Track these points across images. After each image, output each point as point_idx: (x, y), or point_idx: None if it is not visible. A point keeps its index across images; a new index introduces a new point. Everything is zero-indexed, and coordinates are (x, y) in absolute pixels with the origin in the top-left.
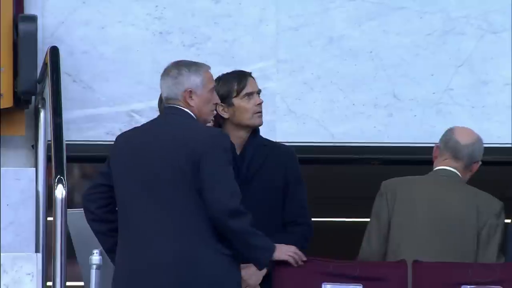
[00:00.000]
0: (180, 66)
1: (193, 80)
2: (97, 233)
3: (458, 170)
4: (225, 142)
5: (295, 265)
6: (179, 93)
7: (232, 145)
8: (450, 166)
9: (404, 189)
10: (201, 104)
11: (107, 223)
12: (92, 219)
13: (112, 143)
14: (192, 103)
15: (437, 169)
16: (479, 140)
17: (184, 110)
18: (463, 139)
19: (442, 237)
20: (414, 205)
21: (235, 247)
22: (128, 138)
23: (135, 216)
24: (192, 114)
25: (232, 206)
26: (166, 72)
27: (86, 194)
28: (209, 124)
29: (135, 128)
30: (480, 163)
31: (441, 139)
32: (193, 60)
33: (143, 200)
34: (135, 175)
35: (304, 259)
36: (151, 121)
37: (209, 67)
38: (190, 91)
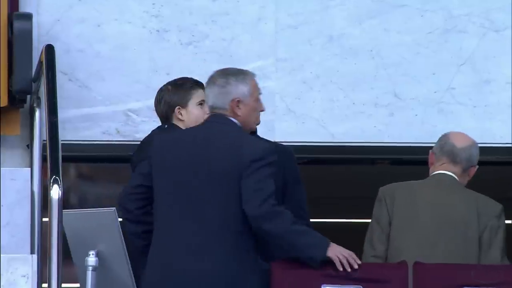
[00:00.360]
0: (227, 75)
1: (240, 89)
2: (130, 234)
3: (456, 175)
4: (271, 155)
5: (340, 269)
6: (226, 102)
7: None
8: (448, 171)
9: (403, 193)
10: (247, 113)
11: (143, 225)
12: (129, 219)
13: (109, 143)
14: (239, 112)
15: (435, 174)
16: (475, 143)
17: (230, 119)
18: (459, 143)
19: (444, 240)
20: (414, 209)
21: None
22: (172, 142)
23: (172, 222)
24: (238, 123)
25: (263, 210)
26: (212, 81)
27: (126, 193)
28: None
29: (176, 132)
30: (477, 167)
31: (436, 145)
32: (238, 68)
33: (182, 208)
34: (178, 181)
35: (356, 267)
36: (195, 127)
37: (254, 75)
38: (238, 101)
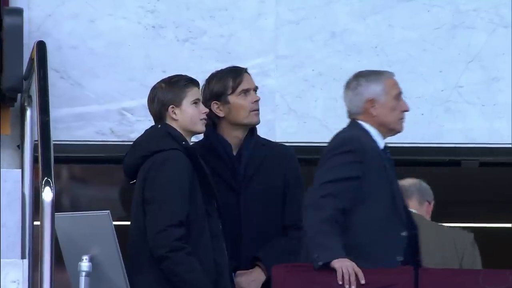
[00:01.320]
0: (358, 77)
1: (372, 89)
2: None
3: (416, 210)
4: (341, 146)
5: (339, 282)
6: (360, 105)
7: (228, 145)
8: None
9: None
10: (385, 112)
11: None
12: None
13: (102, 142)
14: (375, 112)
15: None
16: (422, 181)
17: (356, 122)
18: (405, 182)
19: None
20: None
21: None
22: None
23: None
24: (366, 126)
25: (307, 200)
26: (347, 85)
27: None
28: (202, 123)
29: None
30: (433, 203)
31: None
32: (374, 69)
33: None
34: None
35: (353, 286)
36: None
37: (392, 74)
38: (372, 100)
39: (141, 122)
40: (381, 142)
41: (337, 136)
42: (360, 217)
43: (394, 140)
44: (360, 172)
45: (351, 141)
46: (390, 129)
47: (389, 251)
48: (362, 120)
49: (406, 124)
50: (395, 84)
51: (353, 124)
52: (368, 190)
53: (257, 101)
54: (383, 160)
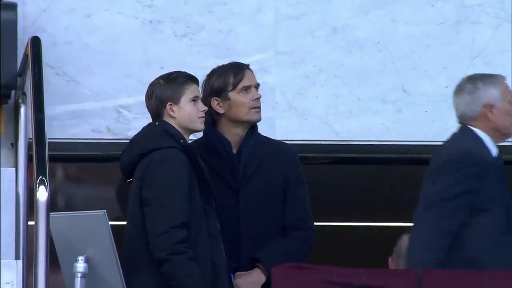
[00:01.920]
0: (475, 80)
1: (491, 93)
2: None
3: None
4: (457, 162)
5: None
6: (477, 109)
7: (228, 143)
8: None
9: None
10: (501, 117)
11: None
12: None
13: (98, 140)
14: (492, 118)
15: None
16: None
17: (469, 128)
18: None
19: None
20: None
21: None
22: None
23: None
24: (479, 132)
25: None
26: (461, 88)
27: None
28: (201, 121)
29: None
30: None
31: (393, 252)
32: (483, 73)
33: None
34: None
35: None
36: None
37: (504, 77)
38: (491, 106)
39: (138, 120)
40: (493, 149)
41: (452, 146)
42: (475, 231)
43: (397, 138)
44: (476, 186)
45: (468, 154)
46: (503, 135)
47: (507, 266)
48: (475, 126)
49: (408, 122)
50: (508, 88)
51: (466, 131)
52: (484, 203)
53: (258, 98)
54: (498, 169)
